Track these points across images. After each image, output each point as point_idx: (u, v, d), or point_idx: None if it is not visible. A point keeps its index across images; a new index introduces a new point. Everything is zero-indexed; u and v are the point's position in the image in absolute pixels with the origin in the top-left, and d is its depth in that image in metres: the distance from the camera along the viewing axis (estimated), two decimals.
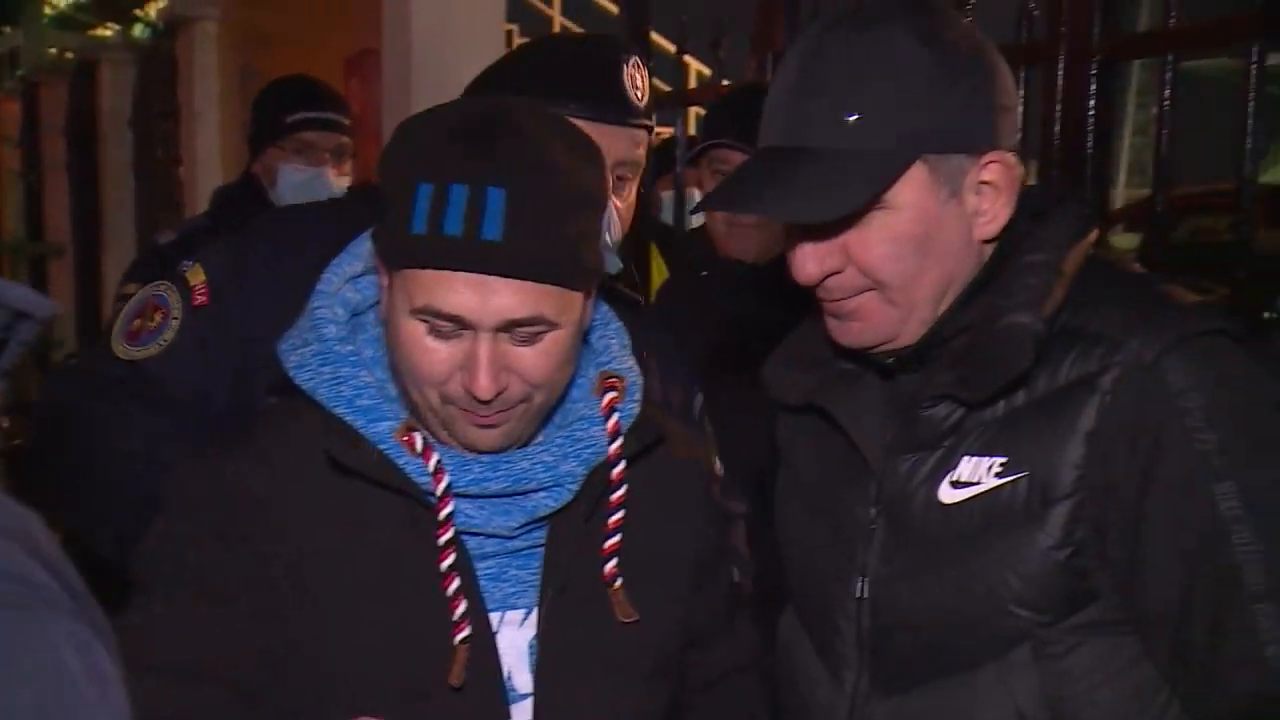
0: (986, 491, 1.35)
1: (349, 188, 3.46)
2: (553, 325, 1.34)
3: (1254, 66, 2.29)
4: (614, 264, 1.79)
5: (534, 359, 1.34)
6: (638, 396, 1.50)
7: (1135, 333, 1.30)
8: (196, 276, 1.86)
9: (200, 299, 1.84)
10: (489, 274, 1.29)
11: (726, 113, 2.91)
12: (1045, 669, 1.33)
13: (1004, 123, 1.38)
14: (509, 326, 1.31)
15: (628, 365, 1.51)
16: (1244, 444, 1.28)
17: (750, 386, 1.69)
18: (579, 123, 1.60)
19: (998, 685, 1.34)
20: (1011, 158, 1.38)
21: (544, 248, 1.30)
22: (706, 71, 4.10)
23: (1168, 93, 2.45)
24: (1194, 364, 1.29)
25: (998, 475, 1.34)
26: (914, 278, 1.37)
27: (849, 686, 1.47)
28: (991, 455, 1.35)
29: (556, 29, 10.36)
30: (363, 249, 1.48)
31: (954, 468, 1.38)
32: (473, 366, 1.32)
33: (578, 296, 1.37)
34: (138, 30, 11.69)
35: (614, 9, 5.16)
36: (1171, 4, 2.41)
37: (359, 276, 1.49)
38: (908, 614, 1.41)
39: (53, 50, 11.50)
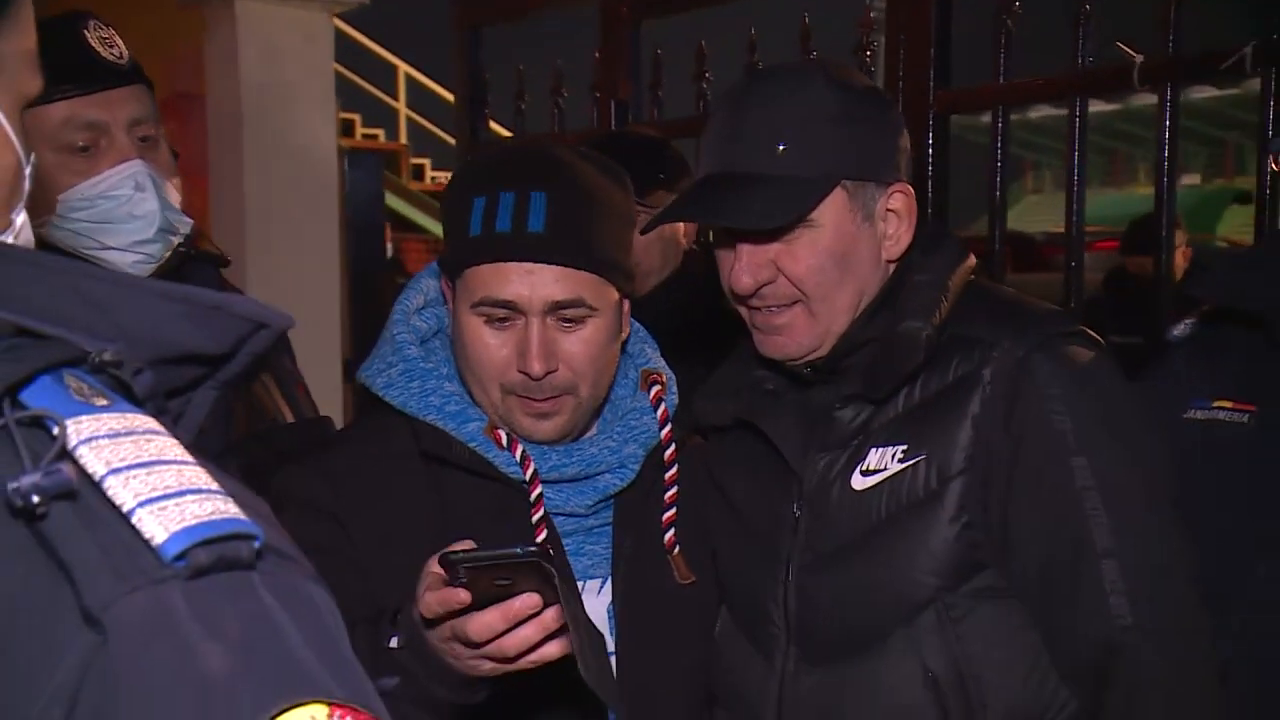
0: (892, 475, 1.54)
1: None
2: (592, 311, 1.54)
3: (1078, 119, 2.53)
4: (184, 221, 1.92)
5: (577, 345, 1.55)
6: (675, 390, 1.71)
7: (1008, 334, 1.53)
8: None
9: None
10: (535, 261, 1.51)
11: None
12: (948, 632, 1.51)
13: (904, 160, 1.61)
14: (554, 309, 1.52)
15: (663, 365, 1.73)
16: (1096, 426, 1.51)
17: None
18: (78, 101, 1.80)
19: (908, 648, 1.52)
20: (911, 190, 1.60)
21: (581, 239, 1.52)
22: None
23: (999, 142, 2.68)
24: (1056, 359, 1.52)
25: (900, 460, 1.54)
26: (833, 289, 1.56)
27: (778, 665, 1.61)
28: (895, 444, 1.55)
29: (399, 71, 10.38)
30: (423, 284, 1.69)
31: (863, 459, 1.57)
32: (525, 349, 1.53)
33: (613, 291, 1.58)
34: None
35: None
36: (1002, 61, 2.65)
37: (421, 309, 1.68)
38: (829, 592, 1.58)
39: None
